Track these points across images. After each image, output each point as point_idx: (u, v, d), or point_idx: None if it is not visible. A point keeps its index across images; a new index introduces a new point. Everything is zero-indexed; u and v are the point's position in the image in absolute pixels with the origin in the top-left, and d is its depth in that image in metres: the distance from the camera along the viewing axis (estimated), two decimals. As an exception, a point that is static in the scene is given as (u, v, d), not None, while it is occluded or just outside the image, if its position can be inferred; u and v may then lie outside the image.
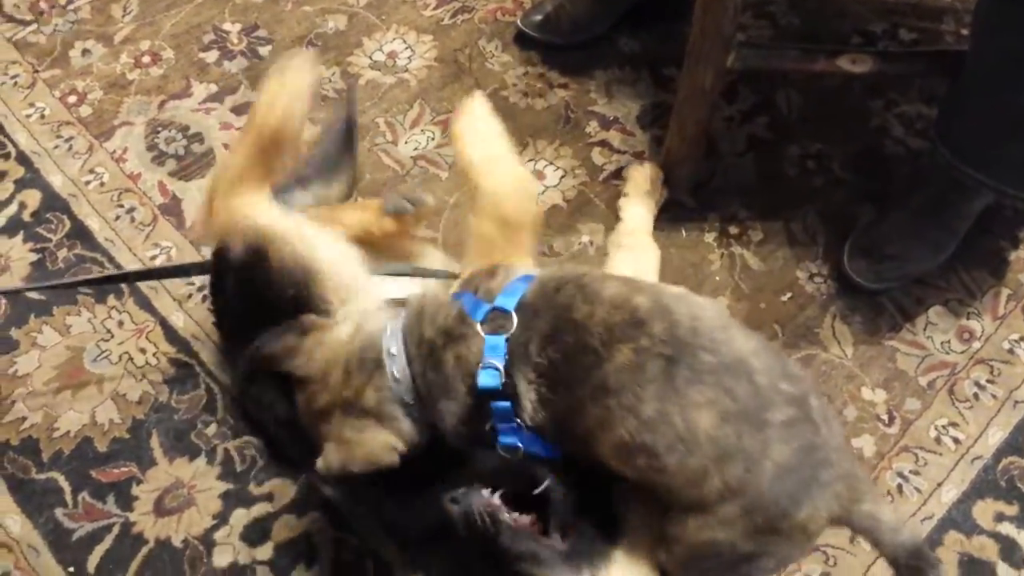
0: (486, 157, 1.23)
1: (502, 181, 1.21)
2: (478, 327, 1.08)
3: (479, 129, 1.26)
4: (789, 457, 1.00)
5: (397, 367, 1.11)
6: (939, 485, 1.49)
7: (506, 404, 1.06)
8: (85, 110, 1.87)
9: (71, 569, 1.36)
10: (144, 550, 1.39)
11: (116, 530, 1.40)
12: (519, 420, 1.07)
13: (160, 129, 1.84)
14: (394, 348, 1.12)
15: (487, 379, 1.05)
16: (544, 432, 1.08)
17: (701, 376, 1.00)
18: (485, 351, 1.07)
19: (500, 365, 1.05)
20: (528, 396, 1.06)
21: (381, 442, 1.12)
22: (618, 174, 1.83)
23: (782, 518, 1.00)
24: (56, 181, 1.76)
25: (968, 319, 1.66)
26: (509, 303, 1.08)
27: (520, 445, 1.08)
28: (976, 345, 1.64)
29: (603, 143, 1.87)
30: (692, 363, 1.01)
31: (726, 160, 1.85)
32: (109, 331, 1.58)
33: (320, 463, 1.12)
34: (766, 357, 1.04)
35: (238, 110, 1.87)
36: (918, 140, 1.85)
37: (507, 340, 1.06)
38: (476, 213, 1.21)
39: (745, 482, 1.00)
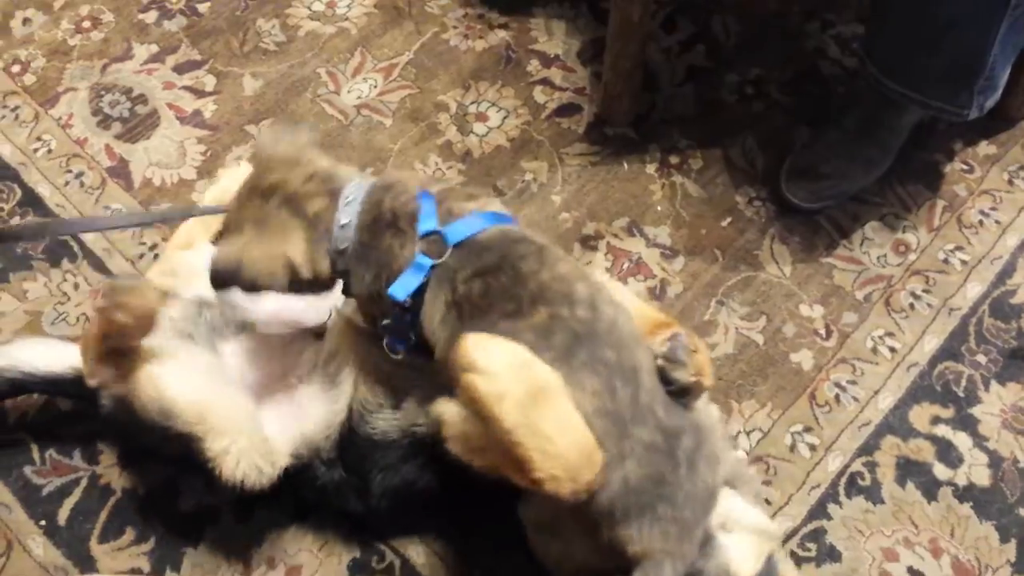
0: (529, 426, 0.98)
1: (556, 462, 0.99)
2: (417, 238, 1.13)
3: (508, 384, 0.99)
4: (638, 478, 1.05)
5: (349, 210, 1.15)
6: (876, 393, 1.55)
7: (406, 319, 1.14)
8: (29, 78, 1.88)
9: (43, 523, 1.41)
10: (112, 500, 1.43)
11: (84, 483, 1.45)
12: (411, 336, 1.14)
13: (104, 93, 1.86)
14: (353, 195, 1.16)
15: (398, 291, 1.12)
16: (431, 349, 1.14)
17: (596, 366, 1.05)
18: (410, 266, 1.12)
19: (413, 286, 1.12)
20: (436, 314, 1.12)
21: (294, 247, 1.14)
22: (560, 111, 1.85)
23: (607, 525, 1.05)
24: (5, 151, 1.78)
25: (904, 232, 1.71)
26: (455, 236, 1.12)
27: (402, 351, 1.18)
28: (912, 257, 1.69)
29: (544, 81, 1.90)
30: (594, 350, 1.05)
31: (666, 91, 1.87)
32: (65, 294, 1.62)
33: (218, 251, 1.14)
34: (656, 382, 1.09)
35: (180, 69, 1.89)
36: (853, 60, 1.88)
37: (432, 267, 1.11)
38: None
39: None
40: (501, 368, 0.99)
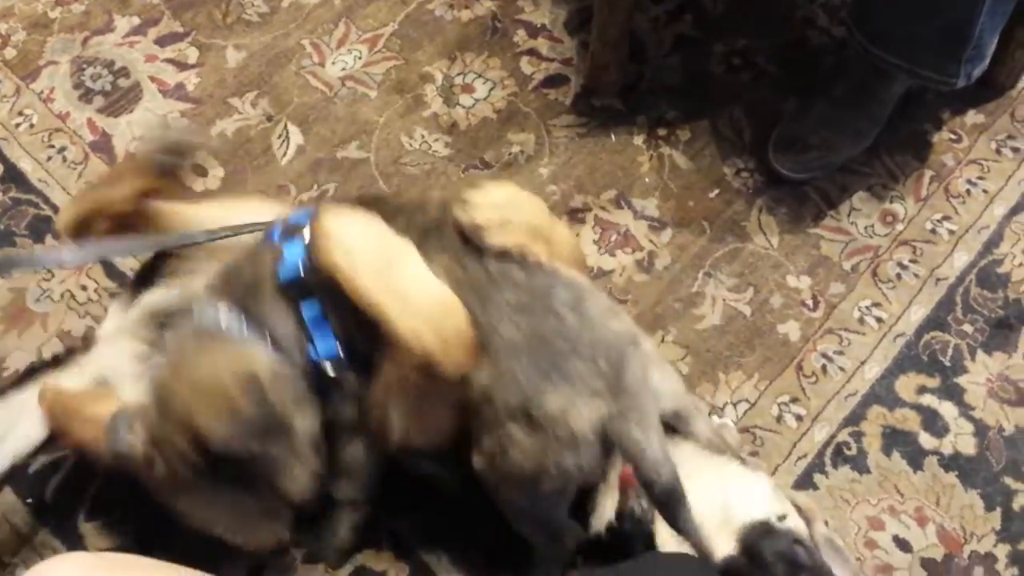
0: (394, 299, 1.03)
1: (428, 334, 1.03)
2: (276, 243, 1.13)
3: (367, 254, 1.05)
4: (518, 338, 1.05)
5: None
6: (862, 363, 1.55)
7: (313, 303, 1.10)
8: (10, 52, 1.85)
9: (29, 500, 1.41)
10: (99, 478, 1.42)
11: (71, 460, 1.43)
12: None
13: (85, 66, 1.83)
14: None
15: (286, 272, 1.10)
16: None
17: (444, 249, 1.10)
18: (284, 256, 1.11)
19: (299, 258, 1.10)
20: None
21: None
22: (547, 82, 1.84)
23: (530, 403, 1.04)
24: (-15, 126, 1.76)
25: (891, 202, 1.71)
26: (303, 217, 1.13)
27: (339, 352, 1.10)
28: (899, 227, 1.68)
29: (531, 52, 1.88)
30: (443, 240, 1.10)
31: (653, 62, 1.86)
32: (49, 271, 1.61)
33: None
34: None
35: (162, 41, 1.86)
36: (842, 29, 1.87)
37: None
38: (394, 358, 1.06)
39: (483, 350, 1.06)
40: (355, 235, 1.05)
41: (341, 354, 1.10)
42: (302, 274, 1.09)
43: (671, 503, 1.05)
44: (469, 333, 1.05)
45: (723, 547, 1.15)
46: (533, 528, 1.22)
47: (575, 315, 1.07)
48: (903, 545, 1.41)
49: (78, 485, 1.42)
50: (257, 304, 1.12)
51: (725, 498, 1.19)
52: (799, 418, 1.51)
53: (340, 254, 1.05)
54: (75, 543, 1.38)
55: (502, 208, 1.12)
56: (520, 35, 1.89)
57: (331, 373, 1.11)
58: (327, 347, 1.10)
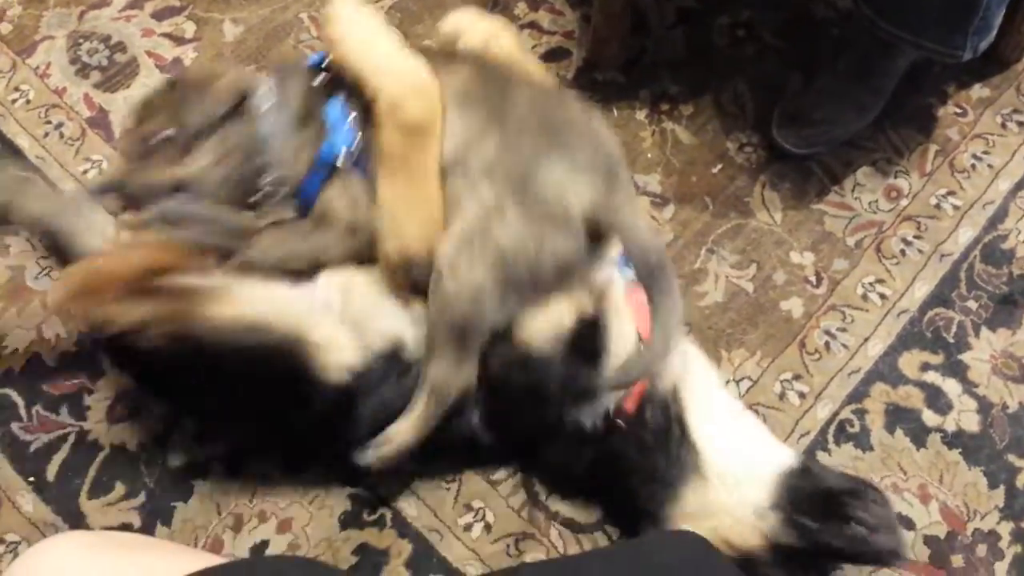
0: (372, 59, 1.24)
1: (394, 82, 1.22)
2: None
3: (356, 28, 1.26)
4: (529, 119, 1.24)
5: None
6: (866, 340, 1.55)
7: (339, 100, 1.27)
8: (5, 27, 1.83)
9: (32, 479, 1.41)
10: (100, 456, 1.43)
11: (72, 439, 1.44)
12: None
13: (82, 41, 1.81)
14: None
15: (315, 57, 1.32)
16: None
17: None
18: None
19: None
20: None
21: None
22: (549, 56, 1.82)
23: (529, 176, 1.20)
24: (-19, 102, 1.75)
25: (896, 178, 1.69)
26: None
27: (355, 142, 1.25)
28: (903, 203, 1.67)
29: (532, 25, 1.86)
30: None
31: (656, 35, 1.84)
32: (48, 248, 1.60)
33: None
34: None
35: (158, 15, 1.84)
36: (847, 2, 1.85)
37: None
38: (378, 124, 1.22)
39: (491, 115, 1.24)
40: (348, 15, 1.26)
41: (355, 146, 1.25)
42: (325, 61, 1.29)
43: (655, 281, 1.18)
44: (432, 88, 1.22)
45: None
46: (451, 334, 1.22)
47: (584, 117, 1.28)
48: (906, 522, 1.41)
49: (80, 463, 1.43)
50: (287, 77, 1.31)
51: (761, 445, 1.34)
52: (802, 395, 1.50)
53: (335, 28, 1.25)
54: (77, 522, 1.38)
55: (456, 23, 1.39)
56: (521, 8, 1.87)
57: (339, 163, 1.24)
58: (346, 137, 1.25)
